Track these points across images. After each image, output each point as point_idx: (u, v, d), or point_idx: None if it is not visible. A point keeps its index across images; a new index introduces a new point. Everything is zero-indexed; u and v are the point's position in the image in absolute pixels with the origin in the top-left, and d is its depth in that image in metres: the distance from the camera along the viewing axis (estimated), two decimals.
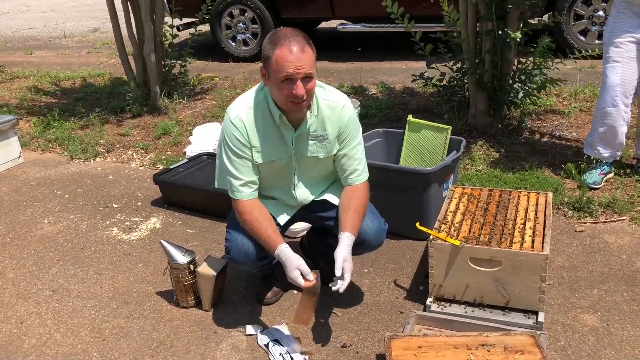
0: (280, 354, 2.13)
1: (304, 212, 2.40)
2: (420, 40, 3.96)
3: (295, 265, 2.06)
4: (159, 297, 2.57)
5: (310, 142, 2.19)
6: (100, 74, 6.45)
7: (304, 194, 2.32)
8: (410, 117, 3.12)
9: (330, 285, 2.06)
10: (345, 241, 2.09)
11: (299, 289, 2.33)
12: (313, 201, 2.36)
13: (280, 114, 2.11)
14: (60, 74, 6.54)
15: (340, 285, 2.04)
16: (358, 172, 2.27)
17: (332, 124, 2.19)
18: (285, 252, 2.09)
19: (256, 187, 2.21)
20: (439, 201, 2.75)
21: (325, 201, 2.35)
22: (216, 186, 2.35)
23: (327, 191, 2.38)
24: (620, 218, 2.94)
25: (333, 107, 2.18)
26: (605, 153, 3.21)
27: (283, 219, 2.33)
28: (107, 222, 3.29)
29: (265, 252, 2.17)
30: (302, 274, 2.05)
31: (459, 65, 4.02)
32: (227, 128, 2.15)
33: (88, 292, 2.64)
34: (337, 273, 2.04)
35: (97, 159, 4.23)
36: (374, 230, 2.29)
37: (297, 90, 1.98)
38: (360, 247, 2.26)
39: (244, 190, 2.17)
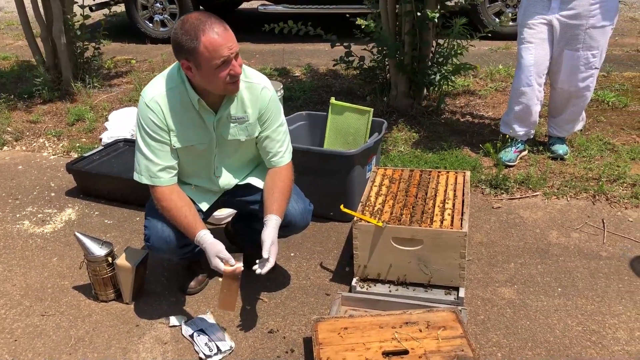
0: (206, 343, 2.08)
1: (227, 197, 2.35)
2: (340, 21, 3.94)
3: (215, 251, 2.00)
4: (76, 292, 2.45)
5: (231, 125, 2.14)
6: (6, 57, 6.05)
7: (226, 179, 2.27)
8: (332, 100, 3.12)
9: (253, 267, 2.03)
10: (272, 224, 2.06)
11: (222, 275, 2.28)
12: (236, 186, 2.31)
13: (199, 99, 2.04)
14: None
15: (264, 268, 2.02)
16: (281, 153, 2.23)
17: (252, 106, 2.14)
18: (205, 239, 2.03)
19: (175, 172, 2.13)
20: (363, 183, 2.77)
21: (249, 185, 2.31)
22: (135, 178, 2.14)
23: (251, 175, 2.34)
24: (534, 194, 3.07)
25: (253, 88, 2.13)
26: (520, 131, 3.34)
27: (205, 205, 2.27)
28: (18, 215, 3.09)
29: (187, 239, 2.10)
30: (222, 260, 2.00)
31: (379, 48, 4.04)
32: (142, 111, 2.06)
33: None
34: (265, 255, 2.01)
35: (5, 148, 3.96)
36: (299, 211, 2.27)
37: (235, 70, 1.96)
38: (286, 229, 2.24)
39: (162, 175, 2.09)
